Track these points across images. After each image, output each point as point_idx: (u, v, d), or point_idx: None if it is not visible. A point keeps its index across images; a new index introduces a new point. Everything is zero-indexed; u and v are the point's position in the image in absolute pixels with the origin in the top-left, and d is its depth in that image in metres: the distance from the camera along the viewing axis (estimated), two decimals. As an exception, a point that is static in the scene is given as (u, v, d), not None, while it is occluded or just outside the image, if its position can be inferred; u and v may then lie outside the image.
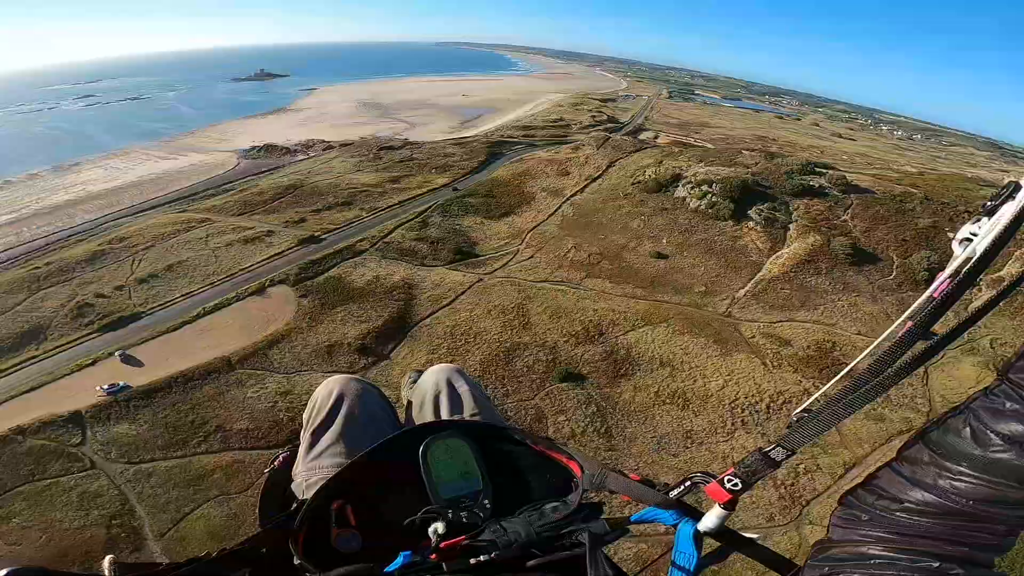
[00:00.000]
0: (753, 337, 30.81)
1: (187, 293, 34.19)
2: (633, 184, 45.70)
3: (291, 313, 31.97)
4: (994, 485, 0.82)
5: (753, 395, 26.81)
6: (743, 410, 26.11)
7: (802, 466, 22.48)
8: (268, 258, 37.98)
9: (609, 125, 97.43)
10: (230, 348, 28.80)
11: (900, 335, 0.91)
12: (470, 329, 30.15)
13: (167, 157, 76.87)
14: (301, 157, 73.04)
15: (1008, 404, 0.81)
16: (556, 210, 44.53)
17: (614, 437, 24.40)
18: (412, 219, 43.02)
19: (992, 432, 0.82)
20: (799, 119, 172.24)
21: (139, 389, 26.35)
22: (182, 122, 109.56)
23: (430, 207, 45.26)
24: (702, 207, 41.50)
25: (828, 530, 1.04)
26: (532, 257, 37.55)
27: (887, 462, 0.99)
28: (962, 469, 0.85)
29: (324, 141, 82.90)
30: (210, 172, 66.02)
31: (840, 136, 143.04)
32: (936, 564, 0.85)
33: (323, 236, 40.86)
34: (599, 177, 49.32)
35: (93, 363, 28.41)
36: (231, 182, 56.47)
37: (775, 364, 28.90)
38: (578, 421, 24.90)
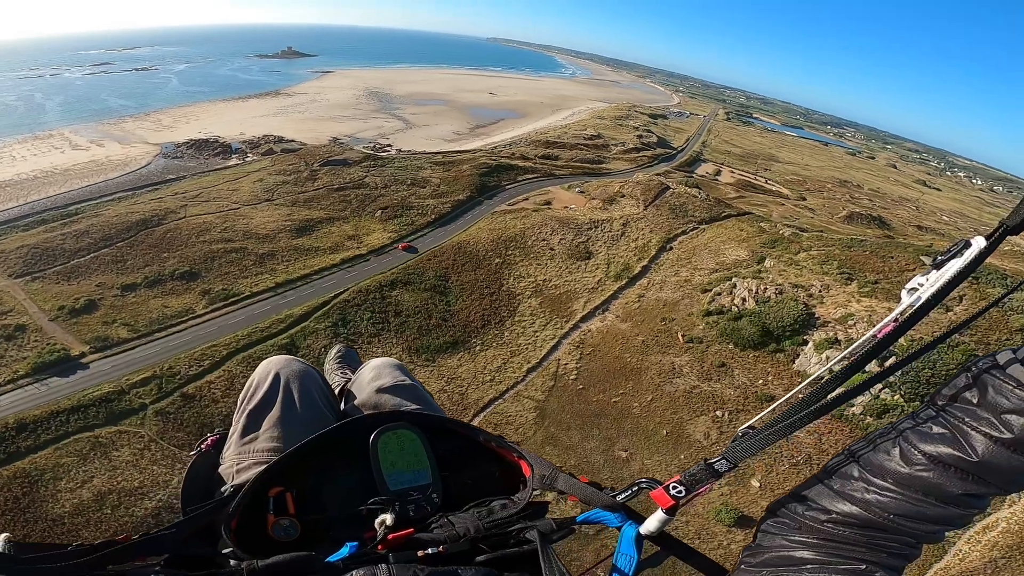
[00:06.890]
0: None
1: None
2: (706, 316, 22.86)
3: None
4: (915, 501, 0.90)
5: None
6: None
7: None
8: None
9: (659, 151, 75.13)
10: None
11: (840, 369, 1.00)
12: None
13: (80, 147, 59.99)
14: (233, 161, 54.47)
15: (935, 428, 0.91)
16: (546, 357, 23.22)
17: None
18: (277, 331, 22.68)
19: (919, 452, 0.90)
20: (872, 158, 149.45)
21: None
22: (153, 100, 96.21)
23: (324, 306, 24.72)
24: (857, 414, 19.06)
25: (755, 537, 1.09)
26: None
27: (815, 475, 1.06)
28: (888, 485, 0.93)
29: (281, 139, 64.24)
30: (97, 175, 47.85)
31: (924, 184, 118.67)
32: (863, 567, 0.93)
33: (88, 359, 20.92)
34: (642, 275, 27.70)
35: None
36: (76, 203, 37.38)
37: None
38: None
